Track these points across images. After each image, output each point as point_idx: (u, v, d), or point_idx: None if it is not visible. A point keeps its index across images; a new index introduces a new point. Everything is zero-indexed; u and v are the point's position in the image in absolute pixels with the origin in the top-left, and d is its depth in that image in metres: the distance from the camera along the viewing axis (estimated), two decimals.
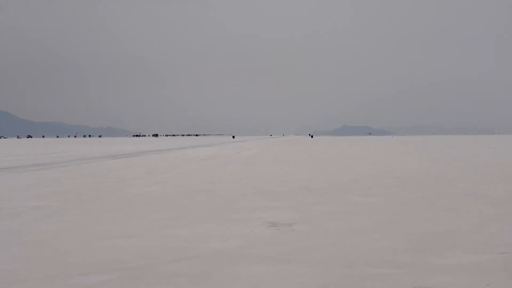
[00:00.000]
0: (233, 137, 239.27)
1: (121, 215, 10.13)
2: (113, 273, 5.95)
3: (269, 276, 5.75)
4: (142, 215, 10.14)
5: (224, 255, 6.77)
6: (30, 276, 5.88)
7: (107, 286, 5.47)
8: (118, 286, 5.49)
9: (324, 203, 11.49)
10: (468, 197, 12.41)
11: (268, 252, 6.90)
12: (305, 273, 5.87)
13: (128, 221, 9.48)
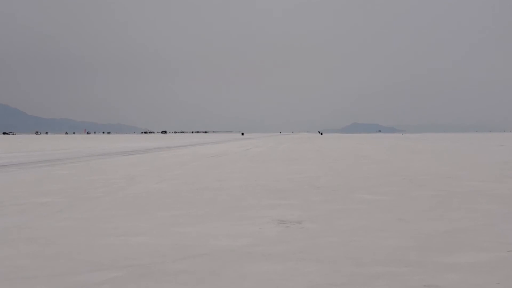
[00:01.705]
0: (242, 134, 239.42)
1: (129, 212, 10.14)
2: (121, 270, 5.95)
3: (277, 275, 5.73)
4: (150, 212, 10.15)
5: (232, 253, 6.76)
6: (38, 273, 5.89)
7: (114, 283, 5.47)
8: (125, 283, 5.49)
9: (332, 201, 11.46)
10: (477, 195, 12.33)
11: (276, 250, 6.87)
12: (313, 271, 5.85)
13: (136, 218, 9.49)
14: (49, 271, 5.96)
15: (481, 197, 12.01)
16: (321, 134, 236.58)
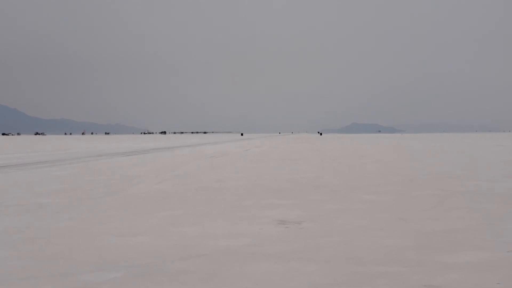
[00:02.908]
0: (242, 134, 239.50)
1: (129, 213, 10.14)
2: (121, 271, 5.95)
3: (277, 274, 5.73)
4: (149, 212, 10.15)
5: (232, 253, 6.76)
6: (38, 274, 5.89)
7: (115, 284, 5.47)
8: (125, 283, 5.49)
9: (332, 201, 11.46)
10: (476, 195, 12.33)
11: (276, 250, 6.88)
12: (313, 271, 5.85)
13: (136, 218, 9.49)
14: (49, 272, 5.96)
15: (480, 196, 12.02)
16: (321, 134, 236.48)
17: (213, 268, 6.03)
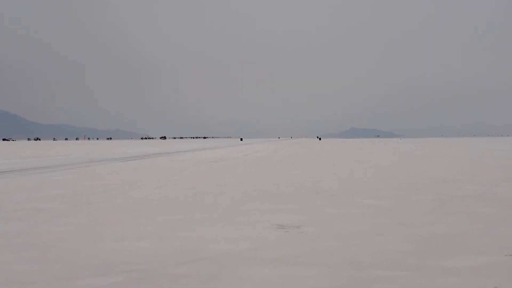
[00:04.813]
0: (241, 139, 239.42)
1: (129, 217, 10.16)
2: (121, 275, 5.96)
3: (277, 279, 5.75)
4: (149, 217, 10.17)
5: (231, 257, 6.77)
6: (38, 278, 5.90)
7: None
8: None
9: (332, 206, 11.47)
10: (476, 199, 12.35)
11: (276, 254, 6.89)
12: (313, 275, 5.87)
13: (136, 223, 9.50)
14: (49, 276, 5.98)
15: (480, 201, 12.03)
16: (320, 139, 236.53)
17: (213, 272, 6.05)
